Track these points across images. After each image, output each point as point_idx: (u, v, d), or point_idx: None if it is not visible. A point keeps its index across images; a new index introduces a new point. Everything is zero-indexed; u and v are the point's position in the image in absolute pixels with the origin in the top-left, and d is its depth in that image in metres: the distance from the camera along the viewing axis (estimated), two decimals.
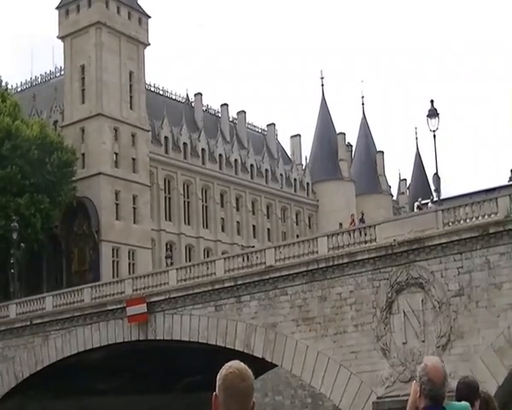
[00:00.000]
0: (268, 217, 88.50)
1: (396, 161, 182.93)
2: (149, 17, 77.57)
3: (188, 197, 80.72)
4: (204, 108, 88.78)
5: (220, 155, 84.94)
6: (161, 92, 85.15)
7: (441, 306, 31.34)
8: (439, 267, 31.74)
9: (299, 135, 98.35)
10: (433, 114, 36.80)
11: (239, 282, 35.90)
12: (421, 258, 32.10)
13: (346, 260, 33.45)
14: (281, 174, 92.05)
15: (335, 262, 33.64)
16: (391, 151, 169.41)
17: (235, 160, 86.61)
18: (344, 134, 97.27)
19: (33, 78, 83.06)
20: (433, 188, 41.20)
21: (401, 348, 32.00)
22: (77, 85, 73.26)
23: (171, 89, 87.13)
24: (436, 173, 36.41)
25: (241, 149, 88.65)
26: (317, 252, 34.43)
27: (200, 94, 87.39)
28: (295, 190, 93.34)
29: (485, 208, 31.54)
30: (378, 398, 31.63)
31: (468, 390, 6.50)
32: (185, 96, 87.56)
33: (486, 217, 31.28)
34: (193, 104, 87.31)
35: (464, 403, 5.97)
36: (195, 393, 49.60)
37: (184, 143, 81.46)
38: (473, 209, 31.75)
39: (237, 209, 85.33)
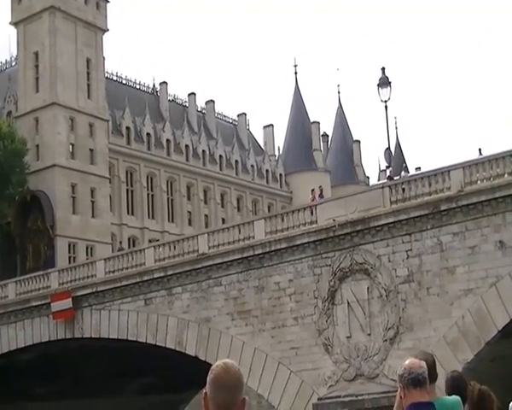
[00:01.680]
0: (238, 210, 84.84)
1: (375, 150, 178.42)
2: (108, 1, 73.78)
3: (152, 190, 77.01)
4: (171, 98, 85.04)
5: (187, 146, 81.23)
6: (124, 81, 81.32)
7: (388, 294, 27.77)
8: (387, 251, 28.16)
9: (272, 125, 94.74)
10: (384, 82, 33.17)
11: (169, 272, 32.27)
12: (366, 241, 28.52)
13: (284, 246, 29.84)
14: (252, 165, 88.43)
15: (272, 248, 30.04)
16: (369, 141, 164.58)
17: (203, 151, 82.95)
18: (318, 123, 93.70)
19: None
20: (384, 165, 37.55)
21: (345, 343, 28.41)
22: (30, 74, 69.43)
23: (135, 78, 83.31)
24: (388, 148, 32.90)
25: (210, 139, 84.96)
26: (253, 237, 30.81)
27: (166, 83, 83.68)
28: (267, 182, 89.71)
29: (438, 183, 27.96)
30: (319, 399, 28.01)
31: (458, 384, 6.51)
32: (150, 86, 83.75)
33: (439, 193, 27.70)
34: (158, 94, 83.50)
35: (455, 397, 6.08)
36: (149, 395, 46.16)
37: (148, 134, 77.76)
38: (423, 184, 28.16)
39: (205, 202, 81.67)
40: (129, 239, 73.01)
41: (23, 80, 69.73)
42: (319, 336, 28.86)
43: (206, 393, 4.07)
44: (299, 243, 29.49)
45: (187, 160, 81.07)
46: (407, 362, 5.45)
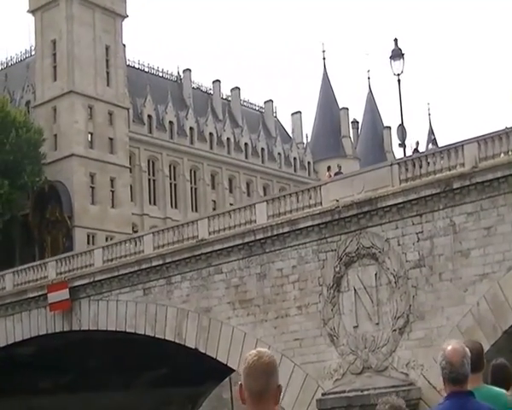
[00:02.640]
0: None
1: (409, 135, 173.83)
2: None
3: (174, 179, 75.29)
4: (195, 86, 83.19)
5: (211, 134, 79.32)
6: (146, 69, 79.62)
7: (398, 280, 25.59)
8: (396, 233, 25.96)
9: (300, 112, 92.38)
10: (396, 55, 30.89)
11: (168, 260, 30.40)
12: (373, 223, 26.36)
13: (286, 230, 27.78)
14: (279, 153, 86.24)
15: (274, 232, 28.00)
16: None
17: (228, 138, 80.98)
18: (347, 109, 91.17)
19: (8, 58, 78.03)
20: (397, 142, 35.20)
21: (351, 334, 26.30)
22: (48, 62, 68.01)
23: (157, 66, 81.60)
24: (401, 124, 30.54)
25: (235, 127, 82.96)
26: (255, 221, 28.79)
27: (189, 70, 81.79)
28: (295, 170, 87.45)
29: (450, 160, 25.67)
30: (323, 394, 25.93)
31: (502, 373, 6.53)
32: (173, 74, 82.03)
33: (452, 170, 25.41)
34: (182, 81, 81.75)
35: (500, 390, 5.96)
36: (162, 388, 44.46)
37: (170, 122, 76.01)
38: (434, 161, 25.89)
39: (230, 191, 79.72)
40: (150, 229, 71.34)
41: (40, 69, 68.39)
42: (324, 326, 26.80)
43: (241, 384, 4.01)
44: (302, 226, 27.43)
45: (211, 148, 79.21)
46: (449, 352, 5.16)
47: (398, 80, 30.68)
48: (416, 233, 25.58)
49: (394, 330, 25.47)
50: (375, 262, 26.11)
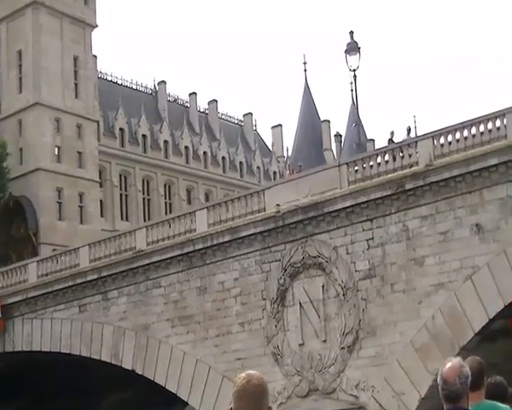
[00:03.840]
0: None
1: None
2: None
3: (148, 194, 72.79)
4: (171, 99, 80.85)
5: (186, 148, 76.92)
6: (120, 82, 77.26)
7: (346, 292, 23.08)
8: (344, 241, 23.48)
9: (281, 125, 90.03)
10: (352, 48, 28.55)
11: (104, 273, 27.86)
12: (320, 230, 23.88)
13: (227, 238, 25.28)
14: (258, 167, 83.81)
15: (215, 241, 25.49)
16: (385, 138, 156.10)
17: (204, 152, 78.55)
18: (329, 122, 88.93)
19: None
20: (355, 142, 32.71)
21: (297, 352, 23.77)
22: (14, 74, 65.55)
23: (132, 78, 79.27)
24: (357, 124, 28.20)
25: (213, 141, 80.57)
26: (195, 230, 26.28)
27: (164, 82, 79.48)
28: None
29: (403, 158, 23.23)
30: None
31: (499, 390, 6.39)
32: (147, 86, 79.71)
33: (405, 169, 22.98)
34: (156, 94, 79.43)
35: (505, 406, 5.90)
36: None
37: (143, 135, 73.59)
38: (386, 160, 23.45)
39: None
40: None
41: (6, 81, 65.90)
42: (268, 344, 24.26)
43: (231, 408, 3.98)
44: (244, 234, 24.95)
45: (187, 162, 76.77)
46: (445, 369, 5.13)
47: (354, 76, 28.34)
48: (367, 240, 23.12)
49: (343, 347, 22.95)
50: (322, 273, 23.62)
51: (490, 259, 21.23)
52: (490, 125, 22.08)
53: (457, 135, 22.44)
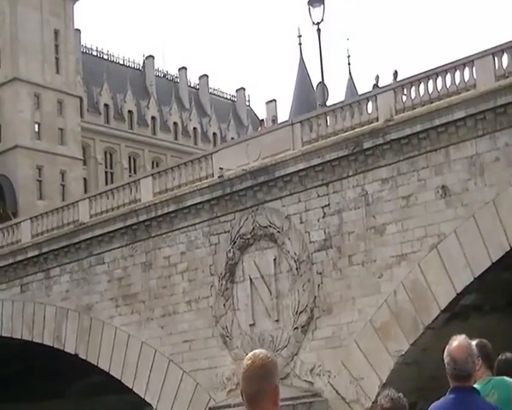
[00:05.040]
0: None
1: None
2: None
3: (134, 172, 70.27)
4: (160, 74, 78.25)
5: (175, 124, 74.38)
6: (106, 57, 74.65)
7: (300, 266, 20.60)
8: (298, 208, 20.98)
9: (275, 100, 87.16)
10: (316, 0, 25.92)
11: (45, 249, 25.45)
12: (272, 196, 21.37)
13: (172, 208, 22.80)
14: None
15: (159, 212, 23.01)
16: None
17: (194, 128, 76.00)
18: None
19: None
20: (318, 103, 30.14)
21: (247, 333, 21.36)
22: None
23: (119, 53, 76.70)
24: (322, 82, 25.63)
25: (203, 116, 78.00)
26: (140, 200, 23.81)
27: (153, 57, 76.83)
28: None
29: (362, 115, 20.66)
30: (210, 409, 20.93)
31: (508, 367, 6.21)
32: (135, 61, 77.11)
33: (364, 126, 20.40)
34: (144, 69, 76.84)
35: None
36: (101, 397, 39.48)
37: (130, 111, 71.08)
38: (343, 117, 20.86)
39: None
40: None
41: None
42: (216, 324, 21.80)
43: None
44: (190, 203, 22.44)
45: (175, 138, 74.24)
46: (454, 348, 5.04)
47: (318, 29, 25.73)
48: (322, 207, 20.60)
49: (296, 327, 20.48)
50: (274, 245, 21.14)
51: (457, 225, 18.69)
52: (458, 75, 19.47)
53: (421, 87, 19.82)
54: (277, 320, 20.86)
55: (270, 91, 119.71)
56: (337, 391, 19.75)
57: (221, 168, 21.26)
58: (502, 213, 18.17)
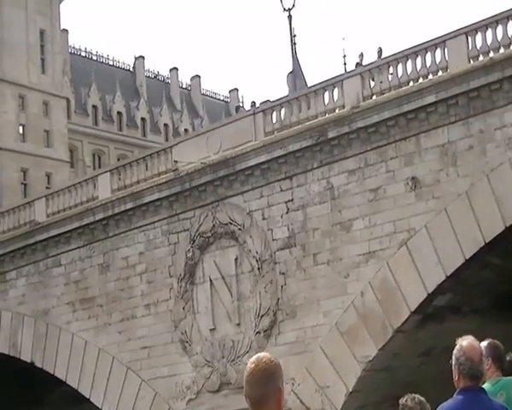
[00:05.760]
0: None
1: None
2: None
3: None
4: (151, 75, 76.89)
5: (166, 125, 73.02)
6: (95, 57, 73.31)
7: (262, 266, 19.13)
8: (260, 204, 19.52)
9: (269, 101, 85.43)
10: None
11: (0, 251, 24.01)
12: (234, 191, 19.91)
13: (130, 206, 21.35)
14: None
15: (116, 210, 21.57)
16: None
17: (185, 130, 74.50)
18: None
19: None
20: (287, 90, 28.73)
21: (207, 339, 19.88)
22: None
23: (109, 54, 75.32)
24: (292, 71, 24.26)
25: (195, 118, 76.59)
26: (97, 197, 22.38)
27: (143, 57, 75.51)
28: None
29: (328, 102, 19.18)
30: None
31: None
32: (125, 62, 75.78)
33: (330, 114, 18.95)
34: (135, 70, 75.50)
35: None
36: (82, 404, 38.09)
37: (119, 113, 69.70)
38: (308, 104, 19.41)
39: None
40: None
41: None
42: (175, 329, 20.33)
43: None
44: (148, 200, 20.99)
45: (166, 140, 72.70)
46: (468, 348, 5.04)
47: (289, 16, 24.33)
48: (286, 202, 19.14)
49: (258, 332, 19.03)
50: (235, 243, 19.67)
51: (428, 219, 17.22)
52: (429, 57, 18.01)
53: (391, 70, 18.37)
54: (239, 324, 19.40)
55: (263, 92, 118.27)
56: (301, 401, 18.28)
57: (175, 161, 19.81)
58: (476, 206, 16.70)
